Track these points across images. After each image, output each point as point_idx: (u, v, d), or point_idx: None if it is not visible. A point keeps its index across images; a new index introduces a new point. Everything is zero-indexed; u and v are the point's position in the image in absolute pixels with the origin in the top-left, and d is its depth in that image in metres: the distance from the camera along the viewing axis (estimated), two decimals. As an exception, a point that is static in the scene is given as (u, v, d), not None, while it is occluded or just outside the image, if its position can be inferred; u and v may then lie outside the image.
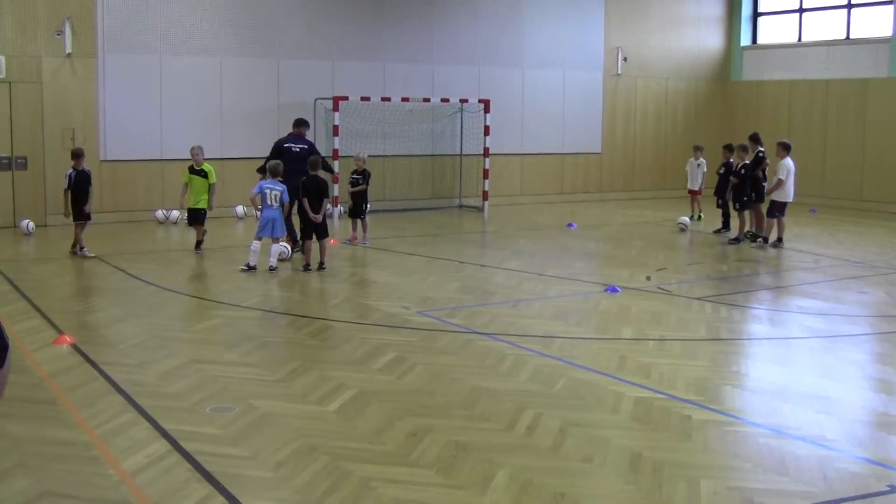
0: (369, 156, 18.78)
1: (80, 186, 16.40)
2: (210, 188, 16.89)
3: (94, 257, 16.18)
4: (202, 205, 16.88)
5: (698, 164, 22.99)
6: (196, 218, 16.94)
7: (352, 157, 19.53)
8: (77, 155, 16.68)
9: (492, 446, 7.37)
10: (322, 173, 15.83)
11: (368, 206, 18.69)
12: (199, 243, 16.92)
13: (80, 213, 16.39)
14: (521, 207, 25.62)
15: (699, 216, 22.91)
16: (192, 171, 16.92)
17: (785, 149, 18.60)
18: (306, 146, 17.02)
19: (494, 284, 14.80)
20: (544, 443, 7.48)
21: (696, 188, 23.10)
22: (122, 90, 21.12)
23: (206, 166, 16.98)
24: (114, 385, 8.93)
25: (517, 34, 26.30)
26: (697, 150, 23.47)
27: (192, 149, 17.08)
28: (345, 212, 21.38)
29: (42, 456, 7.06)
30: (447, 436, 7.56)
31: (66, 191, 16.34)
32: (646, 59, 28.73)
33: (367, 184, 18.25)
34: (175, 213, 20.96)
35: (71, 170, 16.44)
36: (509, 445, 7.42)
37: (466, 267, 16.25)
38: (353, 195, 18.24)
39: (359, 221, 18.41)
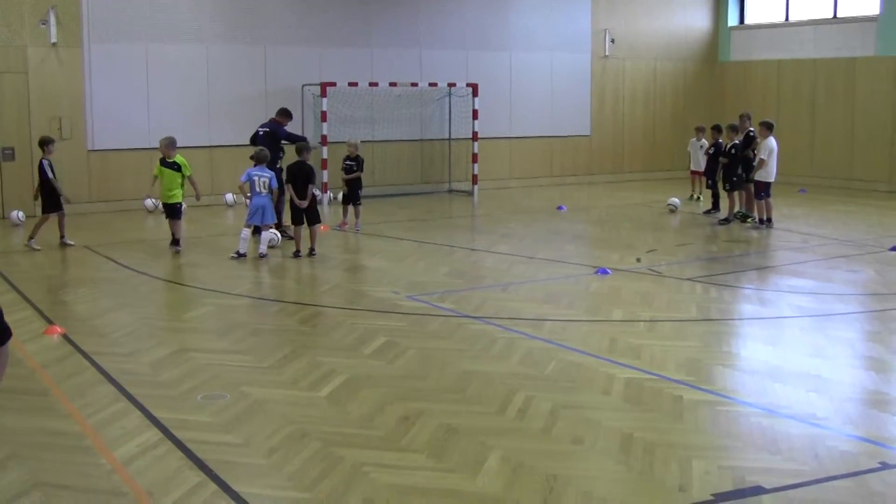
0: (349, 141, 18.67)
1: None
2: (187, 181, 16.02)
3: (39, 250, 16.12)
4: (175, 199, 15.88)
5: (700, 145, 22.94)
6: (171, 212, 15.97)
7: (341, 143, 19.49)
8: (47, 143, 16.55)
9: (483, 429, 7.38)
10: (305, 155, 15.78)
11: (362, 192, 18.59)
12: (175, 241, 15.94)
13: (58, 203, 16.36)
14: (510, 191, 25.61)
15: (698, 197, 22.90)
16: (163, 163, 15.93)
17: (767, 128, 18.61)
18: (268, 128, 17.28)
19: (485, 268, 14.81)
20: (535, 425, 7.49)
21: (699, 169, 23.02)
22: (109, 79, 21.04)
23: (179, 158, 15.93)
24: (105, 375, 8.92)
25: (504, 17, 26.25)
26: (699, 130, 23.48)
27: (162, 141, 16.07)
28: (335, 198, 21.39)
29: (35, 446, 7.05)
30: (438, 420, 7.57)
31: (52, 179, 16.25)
32: (633, 40, 28.69)
33: (361, 170, 18.18)
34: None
35: (45, 160, 16.31)
36: (501, 428, 7.43)
37: (456, 251, 16.25)
38: (348, 182, 18.19)
39: (351, 208, 18.34)
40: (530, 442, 7.14)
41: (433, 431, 7.31)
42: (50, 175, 16.21)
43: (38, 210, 17.12)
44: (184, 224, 16.55)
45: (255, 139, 17.14)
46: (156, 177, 16.13)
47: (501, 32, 26.21)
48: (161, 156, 15.99)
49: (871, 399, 8.38)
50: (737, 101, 28.43)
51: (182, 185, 15.99)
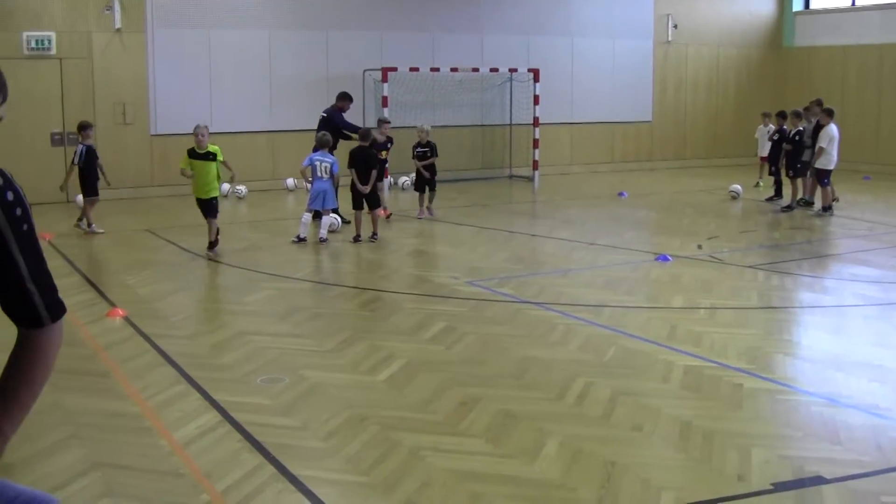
0: (420, 127, 18.56)
1: (89, 162, 16.37)
2: (222, 166, 14.34)
3: (102, 233, 16.30)
4: (213, 192, 14.30)
5: (768, 131, 22.66)
6: (208, 209, 14.28)
7: (401, 128, 19.44)
8: (84, 127, 16.50)
9: (542, 415, 7.35)
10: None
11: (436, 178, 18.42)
12: (212, 244, 14.35)
13: (92, 189, 16.37)
14: (571, 177, 25.52)
15: (757, 183, 22.64)
16: (193, 155, 14.16)
17: (828, 115, 18.40)
18: (325, 114, 17.38)
19: (544, 254, 14.77)
20: (594, 412, 7.45)
21: (766, 154, 22.72)
22: (172, 64, 21.23)
23: (213, 147, 14.19)
24: (165, 357, 9.00)
25: (566, 3, 26.14)
26: (766, 116, 23.25)
27: (197, 128, 14.15)
28: (394, 183, 21.43)
29: (95, 427, 7.13)
30: (497, 405, 7.55)
31: (73, 165, 16.33)
32: (696, 26, 28.44)
33: (436, 155, 18.03)
34: (226, 187, 21.13)
35: (81, 145, 16.37)
36: (559, 414, 7.40)
37: (516, 237, 16.22)
38: (424, 168, 17.96)
39: (426, 195, 18.25)
40: (589, 428, 7.10)
41: (491, 417, 7.29)
42: (75, 161, 16.28)
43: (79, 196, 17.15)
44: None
45: (318, 124, 17.24)
46: (184, 170, 14.35)
47: (563, 18, 26.10)
48: (190, 147, 14.31)
49: (936, 389, 8.24)
50: (801, 87, 28.10)
51: (218, 177, 14.43)
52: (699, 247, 14.83)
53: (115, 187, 17.99)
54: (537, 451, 6.62)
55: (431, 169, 17.92)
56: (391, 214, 17.94)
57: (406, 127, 20.01)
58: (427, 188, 18.03)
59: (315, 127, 17.33)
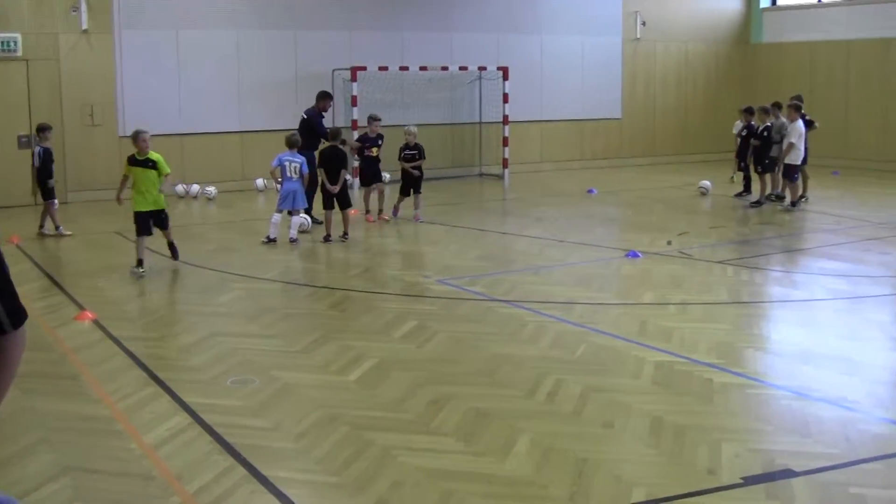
0: (385, 125, 18.30)
1: (45, 165, 16.21)
2: (163, 179, 13.27)
3: (70, 235, 16.19)
4: (161, 204, 13.29)
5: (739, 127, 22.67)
6: (159, 222, 13.37)
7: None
8: (42, 129, 16.35)
9: (513, 413, 7.37)
10: (341, 145, 15.76)
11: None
12: (171, 246, 13.66)
13: (49, 192, 16.18)
14: (541, 175, 25.55)
15: (731, 178, 22.68)
16: (133, 161, 13.11)
17: (796, 110, 18.53)
18: (305, 116, 17.19)
19: (515, 252, 14.79)
20: (565, 408, 7.47)
21: None
22: (140, 65, 21.10)
23: (154, 155, 13.13)
24: (135, 360, 8.96)
25: (535, 1, 26.13)
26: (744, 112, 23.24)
27: (139, 133, 13.21)
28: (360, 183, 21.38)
29: (66, 431, 7.10)
30: (468, 403, 7.56)
31: (37, 167, 16.22)
32: (665, 22, 28.51)
33: (423, 157, 17.61)
34: (196, 188, 21.02)
35: (38, 147, 16.22)
36: (530, 411, 7.41)
37: (487, 235, 16.23)
38: (408, 170, 17.50)
39: (406, 198, 17.79)
40: (560, 425, 7.12)
41: (463, 415, 7.30)
42: (36, 163, 16.17)
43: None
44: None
45: (298, 125, 17.13)
46: (126, 177, 13.50)
47: (532, 16, 26.10)
48: (131, 153, 13.30)
49: (904, 382, 8.33)
50: (769, 83, 28.22)
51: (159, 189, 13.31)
52: (669, 243, 14.88)
53: (83, 189, 17.83)
54: (509, 448, 6.63)
55: (418, 172, 17.58)
56: (388, 219, 17.69)
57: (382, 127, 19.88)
58: (412, 191, 17.72)
59: (289, 127, 17.19)
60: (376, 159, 17.64)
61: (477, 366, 8.68)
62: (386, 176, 19.27)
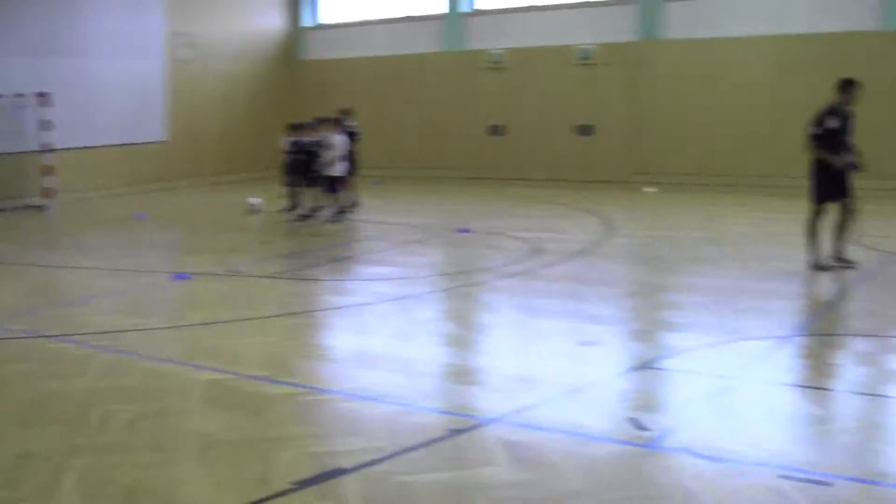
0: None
1: None
2: None
3: None
4: None
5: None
6: None
7: None
8: None
9: (60, 450, 7.02)
10: None
11: None
12: None
13: None
14: (89, 202, 24.71)
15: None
16: None
17: (336, 124, 19.23)
18: None
19: (63, 284, 14.19)
20: (115, 439, 7.22)
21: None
22: None
23: None
24: None
25: (73, 24, 25.20)
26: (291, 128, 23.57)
27: None
28: None
29: None
30: (13, 447, 7.12)
31: None
32: (210, 43, 28.59)
33: None
34: None
35: None
36: (78, 446, 7.10)
37: (31, 269, 15.43)
38: None
39: None
40: (109, 456, 6.86)
41: (8, 460, 6.86)
42: None
43: None
44: None
45: None
46: None
47: (72, 39, 25.12)
48: None
49: (446, 372, 8.81)
50: (315, 98, 29.10)
51: None
52: (238, 269, 14.84)
53: None
54: (54, 488, 6.33)
55: None
56: None
57: None
58: None
59: None
60: None
61: (21, 406, 8.22)
62: None
